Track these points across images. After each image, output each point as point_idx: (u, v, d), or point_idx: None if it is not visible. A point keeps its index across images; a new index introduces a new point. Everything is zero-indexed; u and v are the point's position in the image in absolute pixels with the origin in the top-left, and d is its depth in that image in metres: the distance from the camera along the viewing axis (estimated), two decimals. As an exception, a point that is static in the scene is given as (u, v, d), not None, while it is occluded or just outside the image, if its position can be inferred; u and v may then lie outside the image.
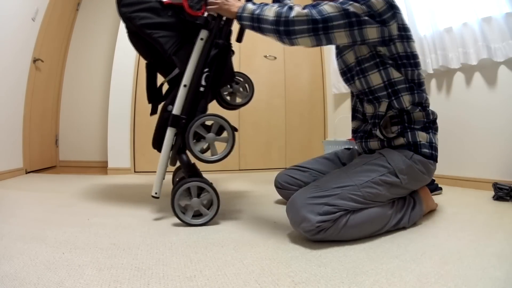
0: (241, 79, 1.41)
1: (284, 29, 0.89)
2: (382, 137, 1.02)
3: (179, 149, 1.10)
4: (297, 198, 0.86)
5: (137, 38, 1.23)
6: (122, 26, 2.57)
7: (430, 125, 1.03)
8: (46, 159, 2.78)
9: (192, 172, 1.07)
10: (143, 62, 2.51)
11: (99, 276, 0.62)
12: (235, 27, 1.19)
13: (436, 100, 1.97)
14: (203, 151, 1.08)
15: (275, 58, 2.81)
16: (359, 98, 1.14)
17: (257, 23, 0.95)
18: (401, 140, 0.99)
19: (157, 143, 1.14)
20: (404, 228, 0.96)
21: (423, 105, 1.01)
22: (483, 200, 1.40)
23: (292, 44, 0.92)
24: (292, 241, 0.87)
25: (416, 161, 0.96)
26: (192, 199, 1.00)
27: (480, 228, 0.98)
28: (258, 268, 0.68)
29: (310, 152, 2.96)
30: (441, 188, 1.57)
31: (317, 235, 0.81)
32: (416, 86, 1.00)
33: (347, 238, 0.85)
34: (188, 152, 1.10)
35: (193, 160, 1.10)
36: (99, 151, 2.98)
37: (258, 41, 2.80)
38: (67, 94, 3.07)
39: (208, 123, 1.08)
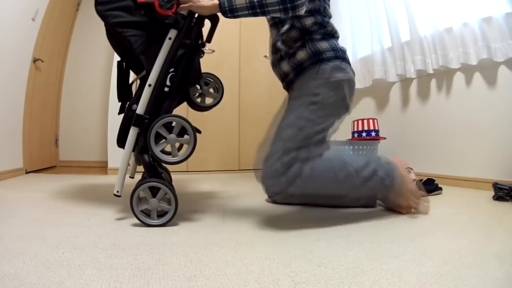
0: (211, 80, 1.39)
1: (291, 5, 0.97)
2: (283, 48, 1.11)
3: (142, 149, 1.09)
4: (262, 173, 0.97)
5: (112, 35, 1.23)
6: (122, 26, 2.57)
7: (330, 36, 1.11)
8: (46, 159, 2.78)
9: (152, 172, 1.05)
10: (143, 62, 2.52)
11: (99, 276, 0.62)
12: (206, 28, 1.18)
13: (436, 100, 1.97)
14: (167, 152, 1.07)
15: (275, 58, 2.81)
16: (270, 28, 1.22)
17: (259, 8, 0.98)
18: (303, 53, 1.08)
19: (121, 141, 1.14)
20: (386, 185, 1.05)
21: (325, 27, 1.09)
22: (483, 200, 1.40)
23: (294, 13, 0.99)
24: (292, 241, 0.87)
25: (324, 71, 1.04)
26: (150, 200, 0.99)
27: (480, 228, 0.98)
28: (258, 268, 0.68)
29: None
30: (441, 188, 1.57)
31: (289, 190, 0.93)
32: (320, 14, 1.09)
33: (317, 191, 0.95)
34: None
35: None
36: (99, 151, 2.98)
37: (258, 41, 2.81)
38: (67, 94, 3.07)
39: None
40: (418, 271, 0.65)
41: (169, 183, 1.14)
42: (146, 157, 1.07)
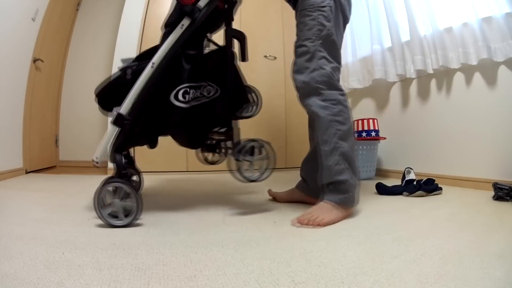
0: (253, 92, 1.40)
1: None
2: None
3: (116, 148, 1.08)
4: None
5: None
6: (122, 26, 2.57)
7: None
8: (46, 159, 2.78)
9: (119, 173, 1.04)
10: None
11: (99, 276, 0.62)
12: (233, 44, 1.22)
13: (436, 100, 1.97)
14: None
15: (275, 58, 2.81)
16: None
17: None
18: None
19: (102, 99, 1.18)
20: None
21: None
22: (483, 200, 1.40)
23: None
24: (292, 241, 0.87)
25: None
26: (114, 200, 0.98)
27: (480, 228, 0.98)
28: (258, 268, 0.68)
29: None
30: (441, 188, 1.57)
31: None
32: None
33: None
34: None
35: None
36: (99, 151, 2.98)
37: (258, 41, 2.81)
38: (67, 94, 3.07)
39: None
40: (418, 271, 0.65)
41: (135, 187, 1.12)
42: (118, 156, 1.06)
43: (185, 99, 1.13)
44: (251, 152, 1.17)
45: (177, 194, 1.68)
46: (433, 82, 1.98)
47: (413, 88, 2.13)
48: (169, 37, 1.11)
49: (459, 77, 1.83)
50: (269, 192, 1.45)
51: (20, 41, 2.28)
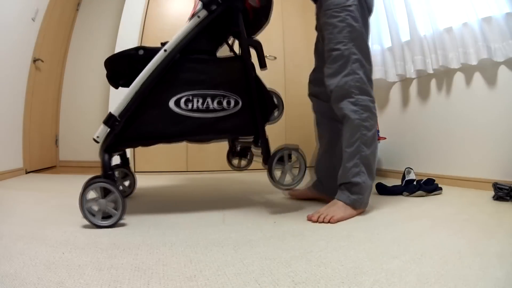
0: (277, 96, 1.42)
1: None
2: None
3: (106, 148, 1.06)
4: None
5: None
6: (122, 26, 2.57)
7: None
8: (46, 159, 2.78)
9: (105, 172, 1.02)
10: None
11: (99, 276, 0.62)
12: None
13: (436, 100, 1.97)
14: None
15: (275, 58, 2.81)
16: None
17: None
18: None
19: (110, 71, 1.18)
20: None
21: None
22: (483, 200, 1.40)
23: None
24: (292, 241, 0.87)
25: None
26: (99, 200, 0.97)
27: (480, 228, 0.98)
28: (258, 268, 0.68)
29: (310, 152, 2.95)
30: (441, 188, 1.57)
31: None
32: None
33: None
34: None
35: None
36: (99, 151, 2.98)
37: (259, 41, 2.81)
38: (67, 94, 3.07)
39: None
40: (418, 271, 0.65)
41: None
42: (106, 156, 1.04)
43: (187, 107, 1.09)
44: (282, 159, 1.17)
45: (177, 194, 1.68)
46: (433, 82, 1.98)
47: (413, 88, 2.13)
48: (184, 26, 1.10)
49: (459, 77, 1.83)
50: (290, 192, 1.46)
51: (20, 41, 2.28)
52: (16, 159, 2.27)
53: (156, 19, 2.63)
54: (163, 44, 1.13)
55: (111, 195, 0.98)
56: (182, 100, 1.09)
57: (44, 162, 2.72)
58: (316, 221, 1.04)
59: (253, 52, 1.24)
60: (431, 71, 1.92)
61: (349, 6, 1.14)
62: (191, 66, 1.13)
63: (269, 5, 1.30)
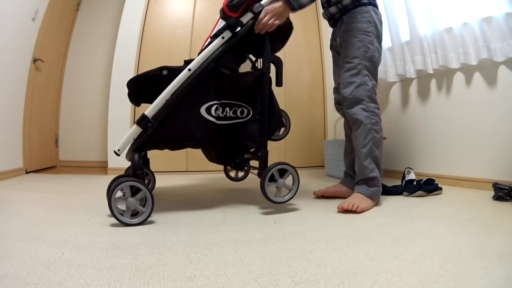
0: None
1: None
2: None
3: (136, 148, 1.10)
4: None
5: None
6: (122, 26, 2.57)
7: None
8: (46, 159, 2.78)
9: (134, 171, 1.05)
10: (142, 62, 2.52)
11: (99, 276, 0.62)
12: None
13: (436, 100, 1.97)
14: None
15: (275, 58, 2.81)
16: None
17: None
18: (347, 0, 1.38)
19: (133, 90, 1.22)
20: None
21: None
22: (483, 200, 1.40)
23: None
24: (292, 241, 0.87)
25: (363, 12, 1.37)
26: (128, 198, 0.99)
27: (480, 228, 0.98)
28: (258, 268, 0.68)
29: (310, 152, 2.96)
30: (441, 188, 1.57)
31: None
32: None
33: None
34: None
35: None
36: (99, 151, 2.98)
37: (258, 41, 2.81)
38: (67, 94, 3.07)
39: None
40: (418, 271, 0.65)
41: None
42: (136, 156, 1.08)
43: (217, 115, 1.18)
44: (278, 174, 1.21)
45: (177, 194, 1.68)
46: (433, 82, 1.98)
47: (413, 88, 2.13)
48: (209, 46, 1.14)
49: (459, 77, 1.83)
50: (316, 193, 1.51)
51: (20, 41, 2.28)
52: (16, 159, 2.27)
53: (156, 19, 2.63)
54: (186, 62, 1.18)
55: (139, 193, 1.00)
56: (213, 108, 1.17)
57: (44, 162, 2.73)
58: (346, 209, 1.20)
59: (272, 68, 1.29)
60: (431, 71, 1.92)
61: (368, 32, 1.36)
62: (218, 79, 1.18)
63: (289, 32, 1.39)
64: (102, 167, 2.75)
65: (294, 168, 1.23)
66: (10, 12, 2.12)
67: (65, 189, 1.73)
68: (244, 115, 1.25)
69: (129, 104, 2.42)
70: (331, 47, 1.62)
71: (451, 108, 1.87)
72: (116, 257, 0.73)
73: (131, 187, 1.00)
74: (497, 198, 1.37)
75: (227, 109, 1.21)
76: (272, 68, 1.28)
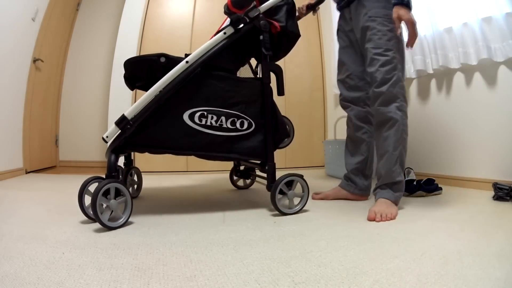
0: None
1: None
2: None
3: (114, 148, 1.04)
4: None
5: None
6: (122, 26, 2.57)
7: None
8: (46, 159, 2.78)
9: (109, 172, 1.00)
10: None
11: (99, 276, 0.62)
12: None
13: (436, 100, 1.97)
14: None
15: (275, 58, 2.81)
16: None
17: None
18: None
19: (128, 72, 1.18)
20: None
21: None
22: (483, 200, 1.40)
23: None
24: (292, 241, 0.87)
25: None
26: (111, 200, 0.96)
27: (480, 228, 0.98)
28: (258, 268, 0.68)
29: (310, 152, 2.96)
30: (441, 188, 1.57)
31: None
32: None
33: None
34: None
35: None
36: (99, 151, 2.98)
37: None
38: (67, 94, 3.07)
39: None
40: (418, 271, 0.65)
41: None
42: (113, 157, 1.02)
43: (200, 122, 1.09)
44: (285, 186, 1.17)
45: (177, 194, 1.68)
46: (433, 82, 1.98)
47: (413, 88, 2.13)
48: (209, 40, 1.11)
49: (459, 77, 1.83)
50: (315, 196, 1.47)
51: (20, 41, 2.28)
52: (16, 159, 2.27)
53: (156, 19, 2.63)
54: (187, 55, 1.13)
55: (121, 197, 0.98)
56: (197, 115, 1.09)
57: (44, 162, 2.73)
58: (380, 221, 1.09)
59: (272, 77, 1.25)
60: (431, 71, 1.92)
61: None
62: (210, 82, 1.12)
63: (295, 41, 1.32)
64: (102, 167, 2.75)
65: (301, 176, 1.19)
66: (10, 12, 2.12)
67: (65, 189, 1.73)
68: (245, 127, 1.16)
69: (129, 104, 2.42)
70: (340, 31, 1.45)
71: (451, 108, 1.87)
72: (116, 257, 0.73)
73: (112, 189, 0.96)
74: (497, 198, 1.37)
75: (223, 118, 1.12)
76: (272, 76, 1.23)
